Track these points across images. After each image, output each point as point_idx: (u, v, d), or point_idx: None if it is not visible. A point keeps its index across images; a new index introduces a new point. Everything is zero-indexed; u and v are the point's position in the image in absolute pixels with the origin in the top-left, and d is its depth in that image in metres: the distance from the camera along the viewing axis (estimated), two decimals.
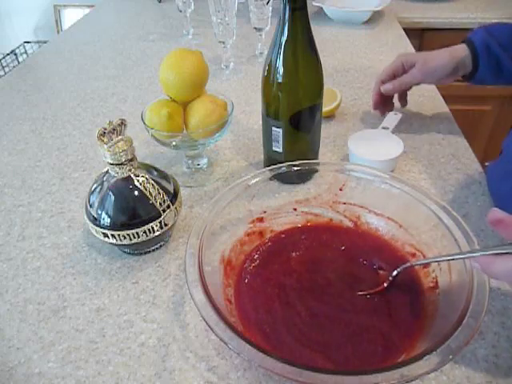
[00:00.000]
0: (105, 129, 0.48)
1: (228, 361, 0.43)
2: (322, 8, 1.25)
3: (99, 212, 0.50)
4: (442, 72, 0.69)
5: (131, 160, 0.49)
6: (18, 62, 1.97)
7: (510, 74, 0.67)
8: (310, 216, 0.55)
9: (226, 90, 0.91)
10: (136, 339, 0.45)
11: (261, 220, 0.53)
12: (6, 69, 1.97)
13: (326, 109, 0.74)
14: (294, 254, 0.51)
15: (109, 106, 0.89)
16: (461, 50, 0.68)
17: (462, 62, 0.67)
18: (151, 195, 0.50)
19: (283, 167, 0.53)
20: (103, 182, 0.51)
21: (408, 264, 0.45)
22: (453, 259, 0.42)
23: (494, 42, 0.65)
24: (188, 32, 1.19)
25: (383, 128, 0.71)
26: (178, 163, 0.71)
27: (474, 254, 0.39)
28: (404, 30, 1.19)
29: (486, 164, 0.66)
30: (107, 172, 0.51)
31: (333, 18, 1.25)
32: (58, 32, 2.07)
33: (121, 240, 0.50)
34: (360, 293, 0.45)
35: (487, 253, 0.37)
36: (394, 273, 0.45)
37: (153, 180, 0.51)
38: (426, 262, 0.46)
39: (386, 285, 0.45)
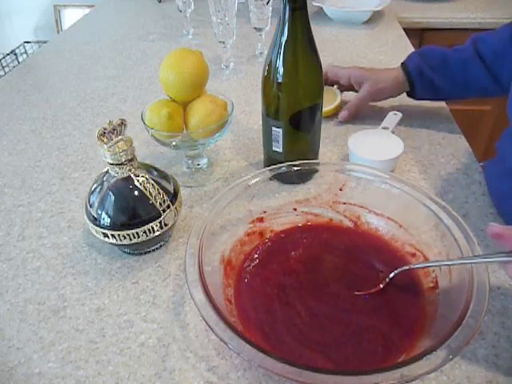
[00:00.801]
0: (105, 129, 0.48)
1: (228, 361, 0.43)
2: (322, 8, 1.25)
3: (99, 212, 0.50)
4: (387, 93, 0.76)
5: (131, 160, 0.49)
6: (18, 62, 1.97)
7: (445, 92, 0.72)
8: (310, 216, 0.55)
9: (226, 90, 0.91)
10: (136, 339, 0.45)
11: (261, 220, 0.53)
12: (6, 69, 1.97)
13: (325, 109, 0.75)
14: (293, 253, 0.51)
15: (109, 106, 0.89)
16: (401, 74, 0.73)
17: (402, 84, 0.74)
18: (151, 195, 0.50)
19: (283, 167, 0.53)
20: (103, 181, 0.51)
21: (406, 267, 0.45)
22: (452, 264, 0.42)
23: (425, 64, 0.71)
24: (188, 32, 1.19)
25: (383, 128, 0.71)
26: (178, 163, 0.71)
27: (473, 261, 0.39)
28: (404, 30, 1.19)
29: (481, 164, 0.66)
30: (107, 172, 0.51)
31: (333, 18, 1.25)
32: (58, 32, 2.07)
33: (121, 240, 0.50)
34: (356, 293, 0.45)
35: (487, 260, 0.38)
36: (391, 275, 0.45)
37: (153, 180, 0.51)
38: (424, 265, 0.46)
39: (382, 286, 0.45)
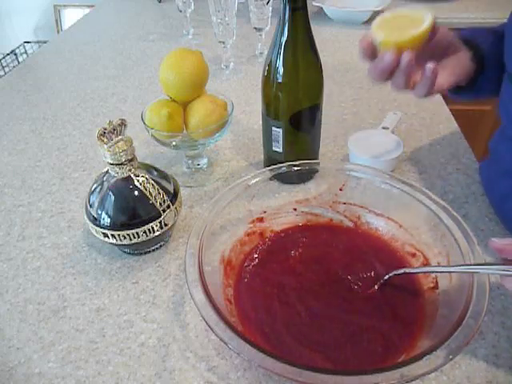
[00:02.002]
0: (105, 129, 0.48)
1: (228, 361, 0.43)
2: (322, 8, 1.25)
3: (99, 212, 0.50)
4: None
5: (131, 160, 0.49)
6: (18, 62, 1.97)
7: (486, 87, 0.60)
8: (310, 216, 0.55)
9: (226, 90, 0.91)
10: (136, 339, 0.45)
11: (261, 220, 0.53)
12: (6, 69, 1.97)
13: (410, 35, 0.48)
14: (293, 253, 0.51)
15: (109, 106, 0.89)
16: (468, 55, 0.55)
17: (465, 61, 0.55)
18: (151, 195, 0.50)
19: (283, 167, 0.53)
20: (103, 181, 0.51)
21: (401, 271, 0.45)
22: (449, 272, 0.42)
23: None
24: (188, 32, 1.19)
25: (383, 128, 0.71)
26: (178, 163, 0.71)
27: (469, 270, 0.39)
28: None
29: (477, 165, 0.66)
30: (107, 172, 0.51)
31: (333, 18, 1.25)
32: (58, 32, 2.07)
33: (121, 240, 0.50)
34: (355, 294, 0.45)
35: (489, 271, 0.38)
36: (386, 277, 0.45)
37: (153, 180, 0.51)
38: (419, 271, 0.46)
39: (376, 287, 0.45)
